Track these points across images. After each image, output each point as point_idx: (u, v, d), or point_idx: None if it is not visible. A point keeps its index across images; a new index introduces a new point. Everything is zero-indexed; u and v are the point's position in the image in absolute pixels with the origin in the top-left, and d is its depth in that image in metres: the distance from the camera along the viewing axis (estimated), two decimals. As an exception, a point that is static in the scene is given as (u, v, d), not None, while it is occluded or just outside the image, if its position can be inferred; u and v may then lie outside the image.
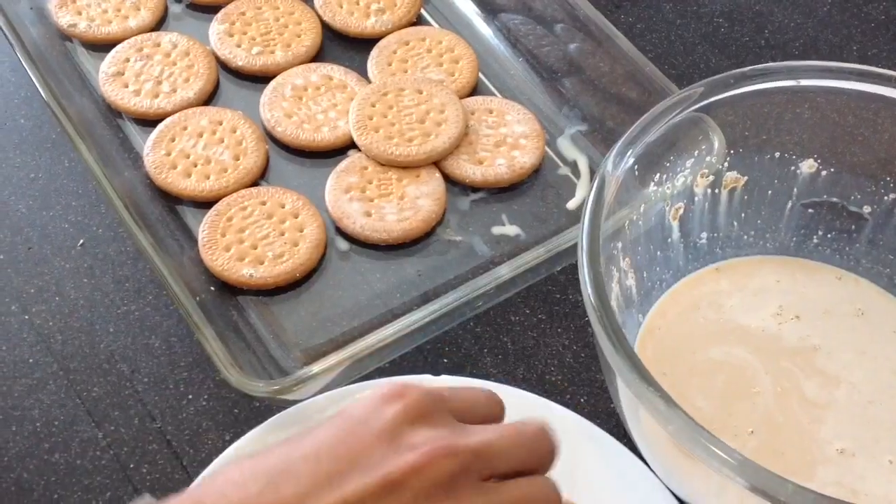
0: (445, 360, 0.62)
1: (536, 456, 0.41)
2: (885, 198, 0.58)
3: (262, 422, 0.55)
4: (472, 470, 0.38)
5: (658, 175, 0.56)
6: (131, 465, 0.58)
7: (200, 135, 0.69)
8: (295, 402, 0.55)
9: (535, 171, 0.70)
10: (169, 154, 0.68)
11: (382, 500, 0.37)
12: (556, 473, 0.52)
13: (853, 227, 0.60)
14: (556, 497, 0.41)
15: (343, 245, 0.66)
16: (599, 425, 0.55)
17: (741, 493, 0.44)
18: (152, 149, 0.68)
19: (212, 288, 0.63)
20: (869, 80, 0.56)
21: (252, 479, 0.37)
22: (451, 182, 0.69)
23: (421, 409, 0.39)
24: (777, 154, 0.59)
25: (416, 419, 0.39)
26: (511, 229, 0.67)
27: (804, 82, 0.56)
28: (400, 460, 0.38)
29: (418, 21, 0.78)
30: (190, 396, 0.60)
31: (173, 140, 0.69)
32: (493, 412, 0.43)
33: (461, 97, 0.72)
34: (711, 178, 0.58)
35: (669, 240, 0.59)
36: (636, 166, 0.53)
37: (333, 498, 0.37)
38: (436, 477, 0.38)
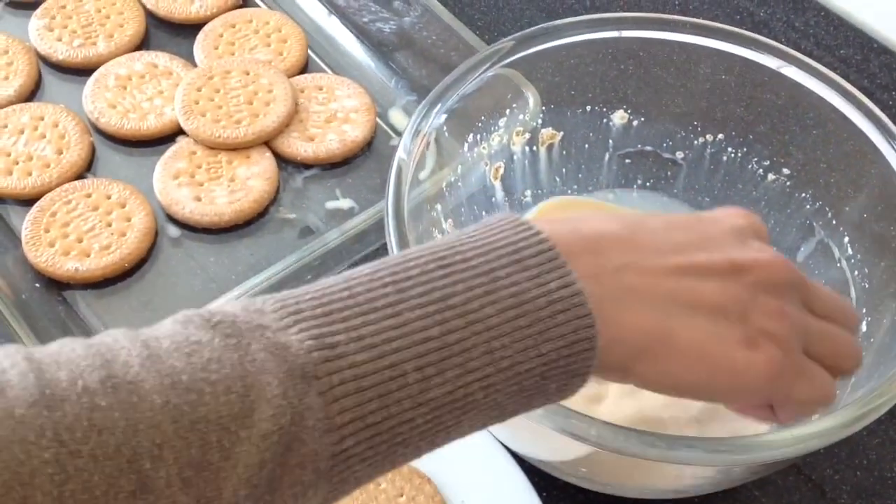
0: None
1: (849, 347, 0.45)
2: (696, 142, 0.60)
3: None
4: (800, 290, 0.42)
5: (473, 135, 0.57)
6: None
7: (21, 132, 0.68)
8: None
9: (368, 145, 0.70)
10: (-13, 153, 0.66)
11: (725, 278, 0.39)
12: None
13: (669, 173, 0.61)
14: (852, 361, 0.44)
15: (174, 232, 0.65)
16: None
17: (559, 437, 0.44)
18: (-30, 149, 0.66)
19: (37, 285, 0.61)
20: (686, 30, 0.57)
21: (609, 220, 0.40)
22: (284, 161, 0.69)
23: (766, 235, 0.44)
24: (588, 108, 0.60)
25: (764, 238, 0.43)
26: (345, 203, 0.67)
27: (606, 34, 0.57)
28: (747, 253, 0.41)
29: (245, 3, 0.78)
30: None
31: (-8, 139, 0.67)
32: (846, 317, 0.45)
33: (290, 76, 0.72)
34: (528, 135, 0.59)
35: (493, 199, 0.60)
36: (447, 125, 0.54)
37: (681, 259, 0.39)
38: (774, 278, 0.40)
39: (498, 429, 0.52)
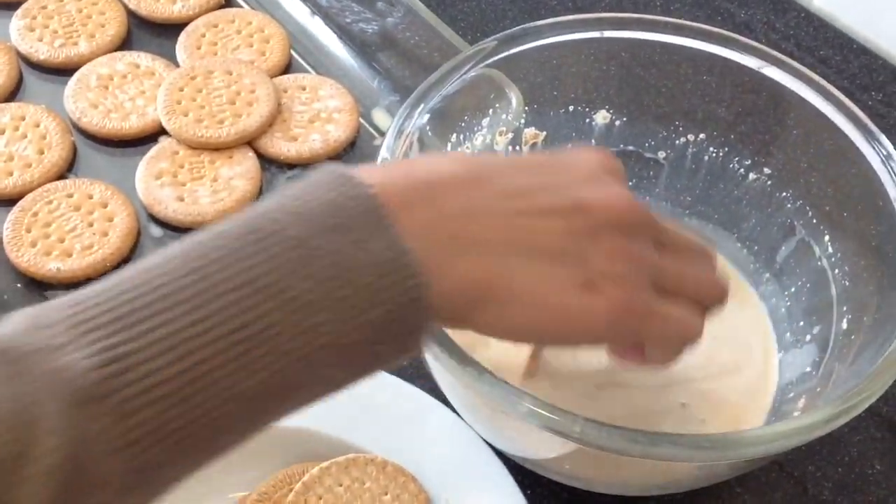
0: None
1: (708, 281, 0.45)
2: (678, 142, 0.60)
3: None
4: (650, 229, 0.42)
5: (455, 135, 0.57)
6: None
7: (2, 132, 0.67)
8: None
9: (352, 145, 0.70)
10: (-32, 154, 0.66)
11: (568, 219, 0.39)
12: (382, 436, 0.53)
13: (651, 173, 0.61)
14: (715, 292, 0.45)
15: (157, 232, 0.65)
16: (423, 387, 0.55)
17: (542, 434, 0.45)
18: (-49, 150, 0.66)
19: (18, 285, 0.61)
20: (667, 31, 0.58)
21: (451, 162, 0.40)
22: (267, 161, 0.68)
23: (623, 176, 0.43)
24: (571, 108, 0.60)
25: (618, 179, 0.42)
26: (328, 203, 0.67)
27: (589, 34, 0.57)
28: (594, 193, 0.40)
29: (227, 3, 0.77)
30: None
31: (-28, 139, 0.67)
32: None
33: (273, 76, 0.72)
34: (511, 135, 0.59)
35: (477, 199, 0.60)
36: (430, 125, 0.54)
37: (522, 203, 0.38)
38: (621, 217, 0.40)
39: (481, 426, 0.52)
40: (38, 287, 0.61)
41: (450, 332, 0.44)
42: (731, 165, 0.60)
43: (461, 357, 0.44)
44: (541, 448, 0.50)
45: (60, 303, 0.32)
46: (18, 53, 0.73)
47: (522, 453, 0.52)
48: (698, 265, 0.44)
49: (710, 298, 0.45)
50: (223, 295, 0.32)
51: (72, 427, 0.29)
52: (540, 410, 0.43)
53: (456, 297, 0.36)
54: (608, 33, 0.58)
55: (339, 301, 0.33)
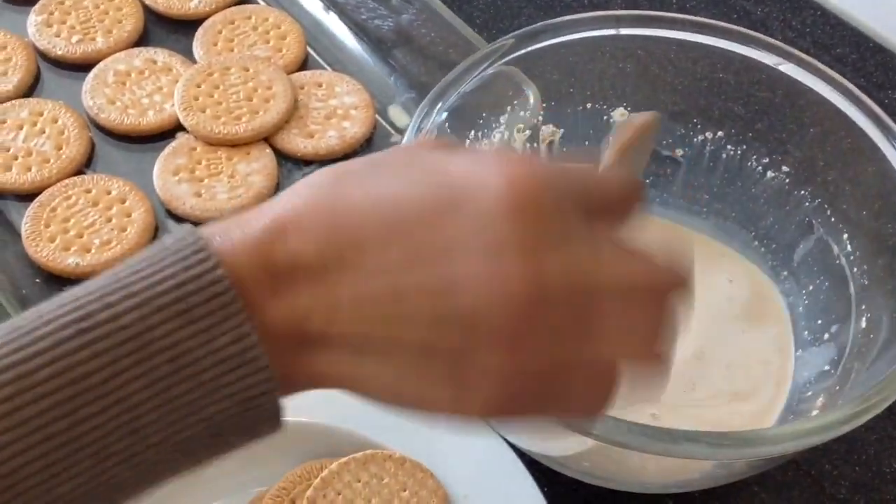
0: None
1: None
2: (695, 139, 0.60)
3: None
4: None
5: (474, 132, 0.57)
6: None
7: (21, 127, 0.67)
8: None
9: (368, 141, 0.70)
10: (-13, 149, 0.66)
11: (435, 306, 0.30)
12: (398, 432, 0.53)
13: (669, 171, 0.61)
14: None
15: (174, 227, 0.65)
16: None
17: (564, 432, 0.45)
18: (-31, 145, 0.66)
19: (37, 280, 0.61)
20: (683, 28, 0.58)
21: (320, 238, 0.31)
22: (283, 157, 0.69)
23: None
24: (589, 105, 0.60)
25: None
26: (345, 199, 0.67)
27: (606, 31, 0.57)
28: (477, 265, 0.30)
29: (244, 0, 0.78)
30: None
31: (-9, 134, 0.67)
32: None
33: (289, 73, 0.72)
34: (528, 132, 0.59)
35: (494, 196, 0.60)
36: (448, 122, 0.54)
37: (390, 283, 0.30)
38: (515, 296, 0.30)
39: (506, 430, 0.52)
40: (57, 282, 0.61)
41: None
42: (749, 163, 0.60)
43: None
44: (560, 445, 0.50)
45: None
46: (36, 49, 0.73)
47: (541, 449, 0.52)
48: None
49: (640, 361, 0.34)
50: (43, 397, 0.28)
51: None
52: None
53: (312, 387, 0.33)
54: (625, 30, 0.58)
55: (172, 400, 0.30)
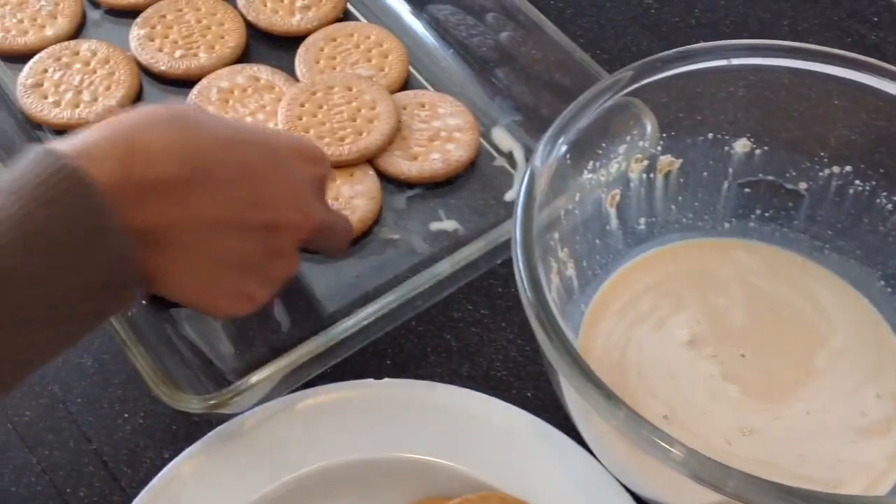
0: (388, 362, 0.60)
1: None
2: (821, 173, 0.58)
3: (201, 436, 0.54)
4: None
5: (592, 162, 0.55)
6: (68, 490, 0.56)
7: (125, 144, 0.67)
8: (234, 415, 0.54)
9: (471, 164, 0.69)
10: (92, 166, 0.66)
11: (258, 238, 0.49)
12: (509, 472, 0.52)
13: (790, 204, 0.59)
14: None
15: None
16: (548, 419, 0.54)
17: (690, 484, 0.43)
18: (75, 161, 0.66)
19: (143, 302, 0.61)
20: (797, 56, 0.56)
21: (175, 157, 0.45)
22: (386, 179, 0.68)
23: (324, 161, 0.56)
24: (710, 135, 0.58)
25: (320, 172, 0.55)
26: (449, 224, 0.66)
27: (734, 61, 0.55)
28: (288, 215, 0.51)
29: (345, 16, 0.77)
30: (126, 415, 0.58)
31: (96, 151, 0.67)
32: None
33: (392, 92, 0.71)
34: (646, 162, 0.58)
35: (608, 227, 0.58)
36: (568, 154, 0.52)
37: (229, 216, 0.47)
38: (299, 237, 0.53)
39: (620, 470, 0.51)
40: (163, 305, 0.61)
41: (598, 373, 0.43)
42: (878, 200, 0.57)
43: (608, 393, 0.43)
44: (685, 496, 0.48)
45: None
46: (139, 63, 0.73)
47: (661, 498, 0.50)
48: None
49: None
50: None
51: None
52: (692, 459, 0.42)
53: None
54: (740, 60, 0.55)
55: (50, 269, 0.40)
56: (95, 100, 0.70)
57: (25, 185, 0.40)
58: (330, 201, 0.61)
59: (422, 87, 0.73)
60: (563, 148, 0.52)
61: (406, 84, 0.73)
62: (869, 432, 0.53)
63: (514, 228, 0.48)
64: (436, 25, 0.76)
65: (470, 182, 0.68)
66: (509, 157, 0.69)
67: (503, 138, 0.70)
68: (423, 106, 0.71)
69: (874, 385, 0.54)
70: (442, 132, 0.69)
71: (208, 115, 0.50)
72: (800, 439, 0.53)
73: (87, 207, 0.41)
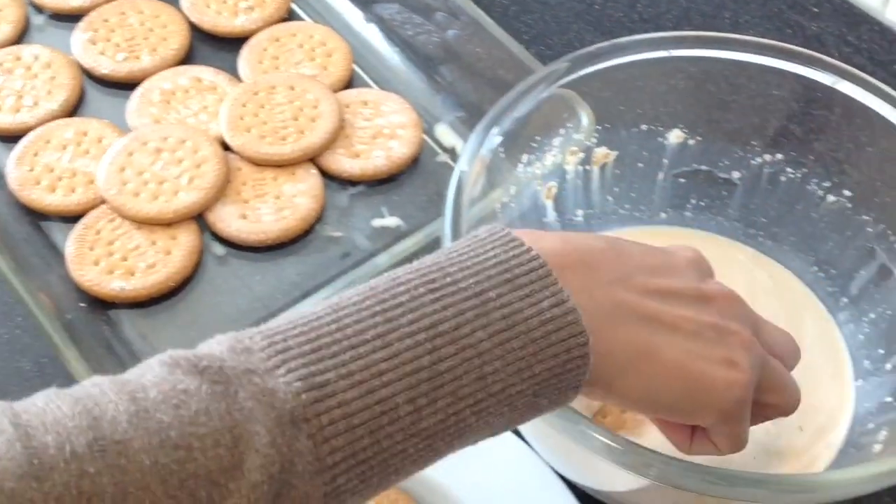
0: (331, 359, 0.60)
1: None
2: (753, 162, 0.59)
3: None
4: (753, 325, 0.43)
5: (527, 155, 0.55)
6: (8, 494, 0.55)
7: (65, 147, 0.67)
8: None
9: (414, 161, 0.69)
10: (32, 169, 0.66)
11: (693, 305, 0.40)
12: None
13: (725, 193, 0.60)
14: (793, 402, 0.45)
15: (220, 250, 0.64)
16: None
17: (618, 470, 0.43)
18: (15, 165, 0.66)
19: (82, 304, 0.60)
20: (732, 47, 0.56)
21: (594, 237, 0.41)
22: (329, 177, 0.68)
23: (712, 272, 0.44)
24: (644, 126, 0.58)
25: (713, 276, 0.44)
26: (392, 220, 0.66)
27: (673, 52, 0.56)
28: (708, 285, 0.42)
29: (290, 17, 0.77)
30: (67, 417, 0.58)
31: (36, 155, 0.66)
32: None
33: (336, 91, 0.71)
34: (581, 154, 0.58)
35: (545, 220, 0.59)
36: (503, 146, 0.52)
37: (660, 282, 0.40)
38: (734, 310, 0.42)
39: (551, 455, 0.51)
40: (102, 306, 0.61)
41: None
42: (809, 187, 0.58)
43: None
44: (613, 481, 0.48)
45: (256, 331, 0.34)
46: (81, 67, 0.73)
47: (593, 485, 0.51)
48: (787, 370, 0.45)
49: (785, 407, 0.45)
50: (408, 336, 0.34)
51: (278, 448, 0.31)
52: (615, 446, 0.42)
53: (610, 359, 0.38)
54: (679, 52, 0.56)
55: (510, 352, 0.35)
56: (36, 104, 0.70)
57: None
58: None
59: (366, 85, 0.73)
60: (498, 139, 0.52)
61: (350, 83, 0.73)
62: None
63: (445, 218, 0.48)
64: (381, 24, 0.76)
65: (413, 178, 0.68)
66: (452, 153, 0.69)
67: (446, 134, 0.70)
68: (366, 104, 0.71)
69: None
70: (385, 130, 0.69)
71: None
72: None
73: (544, 287, 0.37)
